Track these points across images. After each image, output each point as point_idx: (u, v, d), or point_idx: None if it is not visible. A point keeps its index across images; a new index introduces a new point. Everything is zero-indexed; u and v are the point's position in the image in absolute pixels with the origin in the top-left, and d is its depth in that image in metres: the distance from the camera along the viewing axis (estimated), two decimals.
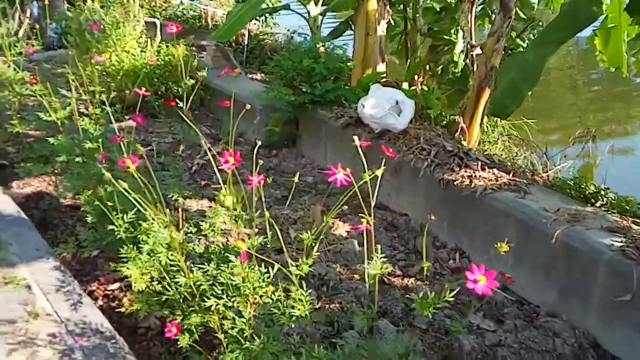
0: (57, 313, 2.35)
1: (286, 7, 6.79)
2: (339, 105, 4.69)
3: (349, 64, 5.04)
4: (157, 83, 5.61)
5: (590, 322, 2.69)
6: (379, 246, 2.02)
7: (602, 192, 5.32)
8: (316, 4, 6.54)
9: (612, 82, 10.22)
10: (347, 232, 3.72)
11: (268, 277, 2.00)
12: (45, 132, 3.96)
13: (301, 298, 1.83)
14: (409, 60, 7.71)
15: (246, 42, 10.50)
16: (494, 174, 3.39)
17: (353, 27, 6.49)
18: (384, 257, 1.91)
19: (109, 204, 2.46)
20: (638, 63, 6.66)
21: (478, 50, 7.64)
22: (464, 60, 7.27)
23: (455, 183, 3.39)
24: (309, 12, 6.53)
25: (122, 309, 2.83)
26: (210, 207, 4.18)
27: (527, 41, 7.09)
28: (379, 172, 1.82)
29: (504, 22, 6.21)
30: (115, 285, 3.08)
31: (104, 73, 5.46)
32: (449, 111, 6.99)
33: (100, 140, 2.85)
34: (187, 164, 4.77)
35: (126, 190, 2.01)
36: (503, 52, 6.40)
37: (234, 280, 1.88)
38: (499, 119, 7.27)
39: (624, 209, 3.16)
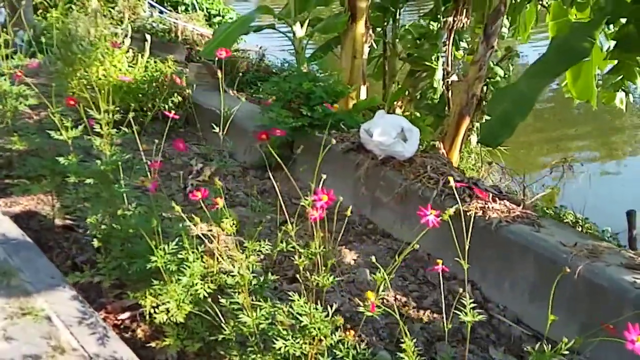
0: (83, 348, 2.22)
1: (271, 26, 6.76)
2: (337, 129, 4.68)
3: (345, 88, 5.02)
4: (143, 99, 5.46)
5: (612, 359, 2.73)
6: (391, 276, 2.01)
7: (581, 222, 5.49)
8: (302, 26, 6.52)
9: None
10: (354, 260, 3.68)
11: (327, 316, 1.95)
12: (37, 149, 3.80)
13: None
14: (386, 84, 7.80)
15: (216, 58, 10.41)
16: (506, 205, 3.43)
17: (340, 49, 6.53)
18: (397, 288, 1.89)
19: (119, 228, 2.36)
20: (606, 94, 6.93)
21: (454, 77, 7.84)
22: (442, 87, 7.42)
23: (468, 214, 3.41)
24: (294, 33, 6.51)
25: (139, 340, 2.72)
26: (210, 231, 4.07)
27: (504, 71, 7.29)
28: None
29: (487, 51, 6.39)
30: (126, 315, 2.94)
31: (89, 88, 5.28)
32: (426, 137, 7.09)
33: (121, 163, 2.72)
34: (180, 184, 4.65)
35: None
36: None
37: (300, 321, 1.82)
38: (476, 146, 7.43)
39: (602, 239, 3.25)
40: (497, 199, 3.48)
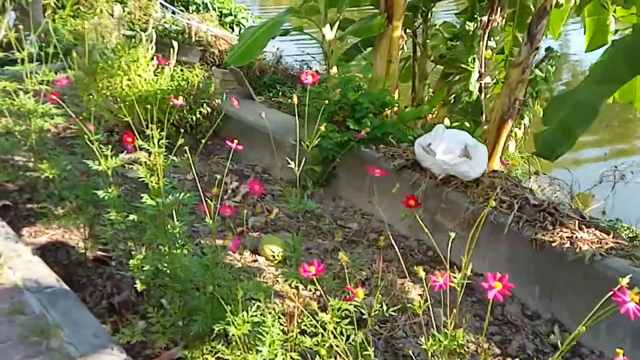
0: None
1: (299, 29, 6.37)
2: (385, 143, 4.30)
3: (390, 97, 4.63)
4: (171, 111, 5.07)
5: None
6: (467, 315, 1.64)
7: None
8: (332, 28, 6.13)
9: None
10: (420, 295, 3.30)
11: None
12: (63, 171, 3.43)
13: None
14: (415, 87, 7.42)
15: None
16: (596, 235, 3.05)
17: (374, 52, 6.13)
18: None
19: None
20: None
21: (488, 79, 7.44)
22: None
23: (553, 245, 3.03)
24: (323, 36, 6.11)
25: None
26: (255, 261, 3.70)
27: (544, 72, 6.90)
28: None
29: (531, 53, 5.99)
30: None
31: (112, 99, 4.91)
32: None
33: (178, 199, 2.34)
34: (216, 204, 4.26)
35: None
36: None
37: None
38: (513, 154, 7.04)
39: None
40: (583, 226, 3.10)
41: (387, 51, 5.89)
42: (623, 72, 4.37)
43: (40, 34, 7.78)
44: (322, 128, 2.41)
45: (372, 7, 6.62)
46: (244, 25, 12.89)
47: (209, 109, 5.16)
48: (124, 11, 11.64)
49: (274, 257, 3.62)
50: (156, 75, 5.05)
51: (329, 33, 6.21)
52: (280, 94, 8.80)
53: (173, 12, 11.48)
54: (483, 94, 7.14)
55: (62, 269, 3.23)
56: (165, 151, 2.66)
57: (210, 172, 4.76)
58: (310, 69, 10.30)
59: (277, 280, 3.39)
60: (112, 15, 5.28)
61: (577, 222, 3.11)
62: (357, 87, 4.45)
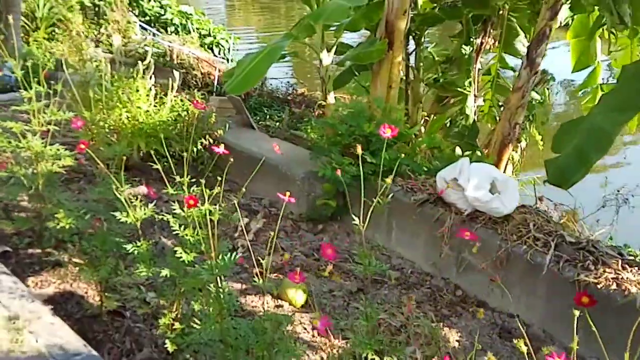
0: None
1: (294, 53, 6.24)
2: (401, 175, 4.16)
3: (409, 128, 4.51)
4: (171, 142, 4.87)
5: None
6: None
7: None
8: (328, 52, 6.02)
9: None
10: (458, 341, 3.16)
11: None
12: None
13: None
14: (409, 110, 7.33)
15: (215, 82, 9.86)
16: None
17: (372, 77, 6.02)
18: None
19: None
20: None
21: (480, 102, 7.41)
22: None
23: (598, 287, 2.92)
24: (320, 61, 5.99)
25: None
26: (280, 306, 3.50)
27: (540, 95, 6.90)
28: None
29: (530, 77, 5.96)
30: None
31: (109, 131, 4.67)
32: None
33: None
34: (228, 244, 4.06)
35: None
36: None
37: None
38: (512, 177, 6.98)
39: None
40: (627, 265, 3.00)
41: (387, 77, 5.78)
42: (638, 99, 4.33)
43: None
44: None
45: (367, 30, 6.54)
46: (223, 46, 12.72)
47: (210, 140, 4.96)
48: (101, 33, 11.38)
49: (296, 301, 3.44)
50: (155, 106, 4.84)
51: (327, 58, 6.10)
52: (267, 117, 8.65)
53: (153, 34, 11.25)
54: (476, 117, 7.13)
55: (75, 324, 3.00)
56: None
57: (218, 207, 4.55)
58: (296, 91, 10.19)
59: (305, 328, 3.21)
60: (111, 45, 5.02)
61: (619, 261, 3.01)
62: (370, 117, 4.31)
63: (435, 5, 6.70)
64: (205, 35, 12.60)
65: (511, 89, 6.14)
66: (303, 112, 9.41)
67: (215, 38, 12.62)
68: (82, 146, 2.71)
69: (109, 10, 11.09)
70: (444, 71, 7.02)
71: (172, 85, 4.85)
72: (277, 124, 8.17)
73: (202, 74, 10.22)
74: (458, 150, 5.23)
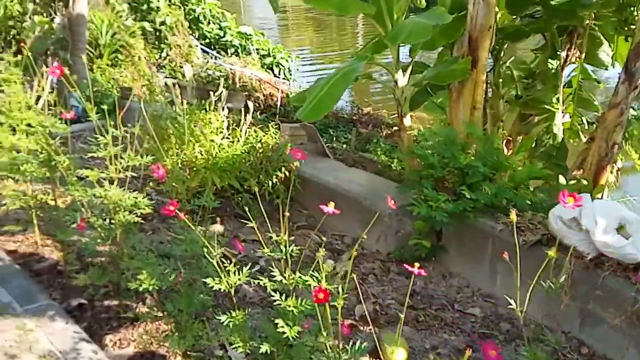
0: None
1: (368, 76, 5.89)
2: (503, 212, 3.73)
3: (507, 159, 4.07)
4: (246, 176, 4.59)
5: None
6: None
7: None
8: (404, 73, 5.63)
9: None
10: None
11: None
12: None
13: None
14: (488, 130, 6.86)
15: (278, 104, 9.64)
16: None
17: (454, 98, 5.60)
18: None
19: None
20: None
21: (567, 118, 6.87)
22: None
23: None
24: (396, 82, 5.61)
25: None
26: None
27: (637, 110, 6.33)
28: None
29: (629, 93, 5.42)
30: None
31: (182, 166, 4.43)
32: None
33: None
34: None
35: None
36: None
37: None
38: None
39: None
40: None
41: (470, 97, 5.36)
42: None
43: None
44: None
45: (443, 47, 6.13)
46: (283, 66, 12.54)
47: (286, 173, 4.65)
48: (164, 58, 11.36)
49: None
50: (228, 138, 4.58)
51: (402, 79, 5.71)
52: (334, 139, 8.33)
53: (214, 57, 11.15)
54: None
55: None
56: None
57: (296, 245, 4.22)
58: (362, 111, 9.85)
59: None
60: (183, 75, 4.80)
61: None
62: (463, 145, 3.90)
63: (514, 17, 6.25)
64: (264, 55, 12.45)
65: (607, 105, 5.61)
66: (370, 132, 9.05)
67: (275, 58, 12.45)
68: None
69: (170, 35, 11.05)
70: (526, 87, 6.53)
71: (246, 116, 4.58)
72: (344, 145, 7.85)
73: (264, 95, 10.03)
74: (562, 180, 4.75)
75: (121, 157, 2.87)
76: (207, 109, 4.56)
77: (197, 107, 4.54)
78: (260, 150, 4.62)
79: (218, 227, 4.52)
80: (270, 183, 4.62)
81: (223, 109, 4.60)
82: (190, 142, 4.29)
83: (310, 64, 14.53)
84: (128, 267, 2.81)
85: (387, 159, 7.67)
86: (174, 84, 4.70)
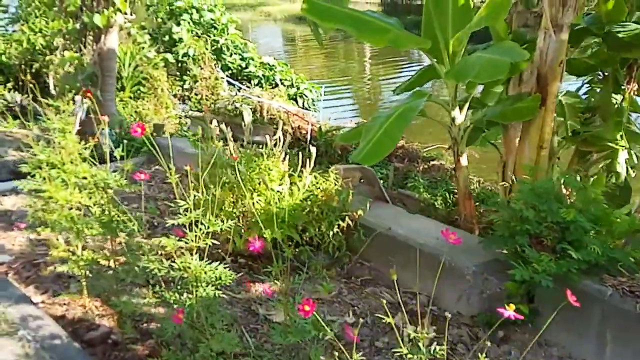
0: None
1: (423, 114, 5.52)
2: (609, 272, 3.34)
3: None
4: (306, 226, 4.22)
5: None
6: None
7: None
8: (460, 110, 5.29)
9: None
10: None
11: None
12: None
13: None
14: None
15: (308, 138, 9.32)
16: None
17: (519, 136, 5.24)
18: None
19: None
20: None
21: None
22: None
23: None
24: (453, 120, 5.26)
25: None
26: None
27: None
28: None
29: None
30: None
31: (240, 216, 4.07)
32: None
33: None
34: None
35: None
36: None
37: None
38: None
39: None
40: None
41: (537, 136, 5.01)
42: None
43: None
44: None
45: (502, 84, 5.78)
46: (307, 97, 12.26)
47: (349, 222, 4.28)
48: (186, 89, 11.08)
49: None
50: (289, 186, 4.22)
51: (460, 116, 5.36)
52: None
53: (239, 89, 10.88)
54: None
55: None
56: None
57: (369, 307, 3.84)
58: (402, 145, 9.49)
59: None
60: (243, 120, 4.47)
61: None
62: (558, 197, 3.52)
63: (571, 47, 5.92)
64: (288, 86, 12.19)
65: None
66: (407, 167, 8.71)
67: (299, 89, 12.19)
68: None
69: (196, 67, 10.79)
70: (583, 122, 6.17)
71: (307, 160, 4.22)
72: (381, 182, 7.47)
73: (292, 128, 9.72)
74: None
75: (201, 223, 2.50)
76: (265, 154, 4.20)
77: (254, 154, 4.18)
78: (321, 197, 4.25)
79: (279, 285, 4.13)
80: (331, 234, 4.24)
81: (249, 142, 4.26)
82: (248, 191, 3.93)
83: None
84: (210, 350, 2.42)
85: (429, 197, 7.30)
86: (226, 124, 4.35)
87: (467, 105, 5.46)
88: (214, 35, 12.12)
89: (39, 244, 4.75)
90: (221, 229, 2.51)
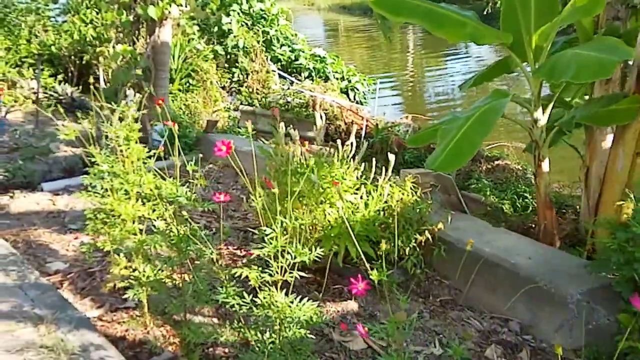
0: None
1: (502, 115, 5.06)
2: None
3: None
4: (381, 240, 3.83)
5: None
6: None
7: None
8: (544, 111, 4.81)
9: None
10: None
11: None
12: None
13: None
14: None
15: (362, 135, 8.92)
16: None
17: (613, 142, 4.74)
18: None
19: None
20: None
21: None
22: None
23: None
24: (535, 121, 4.80)
25: None
26: None
27: None
28: None
29: None
30: None
31: (308, 230, 3.70)
32: None
33: None
34: None
35: None
36: None
37: None
38: None
39: None
40: None
41: (634, 141, 4.52)
42: None
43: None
44: None
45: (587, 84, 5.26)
46: (358, 90, 11.85)
47: (428, 236, 3.88)
48: (235, 81, 10.79)
49: None
50: (364, 197, 3.84)
51: (543, 118, 4.89)
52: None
53: (291, 82, 10.54)
54: None
55: None
56: None
57: (456, 335, 3.44)
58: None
59: None
60: (314, 125, 4.10)
61: None
62: None
63: None
64: (339, 79, 11.79)
65: None
66: (469, 166, 8.23)
67: (350, 82, 11.79)
68: None
69: (247, 60, 10.48)
70: None
71: (388, 169, 3.84)
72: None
73: (345, 124, 9.34)
74: None
75: (288, 251, 2.14)
76: (338, 161, 3.83)
77: (325, 160, 3.81)
78: (398, 210, 3.86)
79: (352, 305, 3.78)
80: (407, 249, 3.86)
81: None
82: (323, 202, 3.56)
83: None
84: None
85: (496, 200, 6.82)
86: (295, 130, 3.99)
87: (551, 105, 4.99)
88: (264, 27, 11.79)
89: (95, 249, 4.51)
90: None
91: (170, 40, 6.92)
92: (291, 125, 4.17)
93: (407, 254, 3.89)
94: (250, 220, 4.88)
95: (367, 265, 2.12)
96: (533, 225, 5.70)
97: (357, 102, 11.47)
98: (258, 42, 10.85)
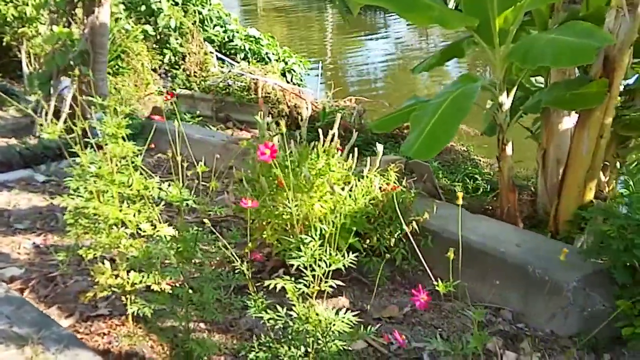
0: None
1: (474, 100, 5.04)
2: None
3: None
4: (369, 233, 3.73)
5: None
6: None
7: None
8: (508, 94, 4.84)
9: None
10: None
11: None
12: None
13: None
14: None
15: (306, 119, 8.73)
16: None
17: (576, 125, 4.82)
18: None
19: None
20: None
21: None
22: None
23: None
24: (499, 105, 4.82)
25: None
26: None
27: None
28: None
29: None
30: None
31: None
32: None
33: None
34: None
35: None
36: None
37: None
38: None
39: None
40: None
41: (598, 125, 4.61)
42: None
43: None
44: None
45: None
46: (295, 72, 11.63)
47: (415, 226, 3.80)
48: (166, 63, 10.31)
49: None
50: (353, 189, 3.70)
51: (507, 101, 4.91)
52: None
53: (230, 65, 10.17)
54: None
55: None
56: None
57: (455, 328, 3.39)
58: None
59: None
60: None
61: None
62: None
63: None
64: (275, 60, 11.51)
65: None
66: None
67: (287, 64, 11.54)
68: None
69: (184, 41, 10.01)
70: (623, 105, 5.81)
71: (375, 160, 3.70)
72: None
73: (288, 107, 9.12)
74: None
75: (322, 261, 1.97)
76: (323, 153, 3.65)
77: (308, 151, 3.63)
78: (382, 200, 3.75)
79: (343, 300, 3.64)
80: (393, 240, 3.76)
81: (303, 140, 3.73)
82: (313, 197, 3.39)
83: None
84: None
85: (449, 183, 6.85)
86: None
87: (514, 89, 5.02)
88: (195, 5, 11.28)
89: (47, 251, 4.14)
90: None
91: (109, 22, 6.44)
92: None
93: (393, 245, 3.80)
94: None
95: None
96: (490, 207, 5.76)
97: (295, 85, 11.25)
98: (194, 23, 10.36)
